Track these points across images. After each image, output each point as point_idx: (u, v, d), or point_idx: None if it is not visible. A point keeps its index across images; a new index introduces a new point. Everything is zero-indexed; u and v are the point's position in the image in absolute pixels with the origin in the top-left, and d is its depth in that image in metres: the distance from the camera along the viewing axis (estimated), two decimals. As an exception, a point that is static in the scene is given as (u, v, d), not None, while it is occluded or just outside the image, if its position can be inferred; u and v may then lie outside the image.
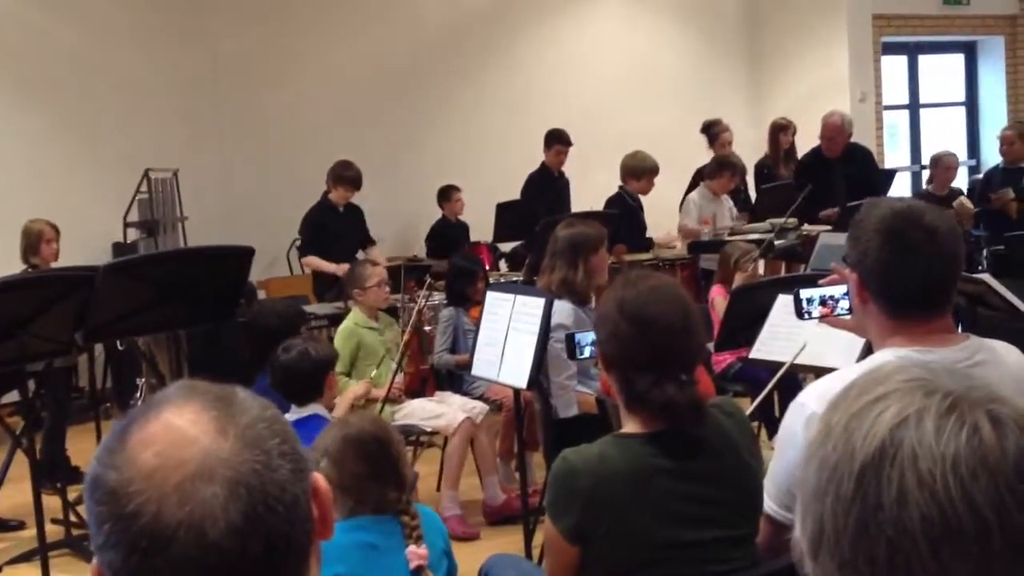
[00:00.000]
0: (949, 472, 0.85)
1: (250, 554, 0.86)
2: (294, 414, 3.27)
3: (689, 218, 7.19)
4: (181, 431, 0.89)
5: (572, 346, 3.08)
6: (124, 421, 0.93)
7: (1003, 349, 2.21)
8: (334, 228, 6.80)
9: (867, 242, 2.05)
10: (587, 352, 3.04)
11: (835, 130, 7.17)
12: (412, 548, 2.06)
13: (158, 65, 7.87)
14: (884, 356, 2.11)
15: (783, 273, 7.36)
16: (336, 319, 5.36)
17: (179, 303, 4.23)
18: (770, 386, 3.83)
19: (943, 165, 7.97)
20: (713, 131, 7.87)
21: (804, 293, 2.49)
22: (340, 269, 6.41)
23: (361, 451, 2.13)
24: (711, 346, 5.17)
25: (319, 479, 0.95)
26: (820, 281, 2.47)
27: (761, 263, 7.34)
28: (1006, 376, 2.13)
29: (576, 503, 2.00)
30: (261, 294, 7.38)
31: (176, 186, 7.28)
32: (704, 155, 7.87)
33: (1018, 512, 0.85)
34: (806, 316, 2.52)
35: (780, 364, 3.73)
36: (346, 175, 6.80)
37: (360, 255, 6.84)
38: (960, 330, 3.72)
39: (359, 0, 8.53)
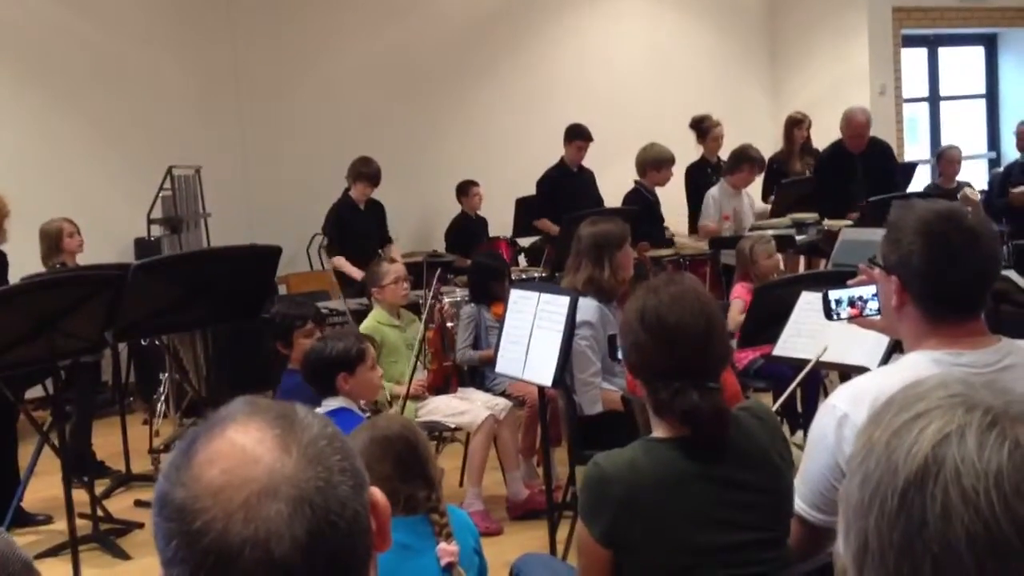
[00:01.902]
0: (992, 488, 0.86)
1: (315, 570, 0.89)
2: (322, 409, 3.31)
3: (708, 216, 7.18)
4: (246, 449, 0.91)
5: (612, 347, 3.09)
6: (189, 438, 0.95)
7: (1033, 351, 2.21)
8: (355, 225, 6.83)
9: (910, 245, 2.06)
10: (619, 354, 3.05)
11: (863, 127, 7.17)
12: (443, 545, 2.09)
13: (181, 63, 7.92)
14: (917, 358, 2.13)
15: (802, 268, 7.37)
16: (361, 316, 5.39)
17: (207, 302, 4.27)
18: (794, 384, 3.83)
19: (947, 159, 8.06)
20: (703, 126, 7.84)
21: (833, 294, 2.50)
22: (358, 273, 6.44)
23: (389, 452, 2.16)
24: (734, 343, 5.20)
25: (376, 493, 0.97)
26: (848, 282, 2.48)
27: (781, 258, 7.35)
28: (1037, 378, 2.14)
29: (608, 509, 2.02)
30: (281, 289, 7.44)
31: (199, 183, 7.33)
32: (693, 152, 7.85)
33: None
34: (835, 317, 2.53)
35: (803, 361, 3.74)
36: (365, 171, 6.83)
37: (380, 252, 6.87)
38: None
39: (378, -3, 8.57)
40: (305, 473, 0.90)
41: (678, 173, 7.73)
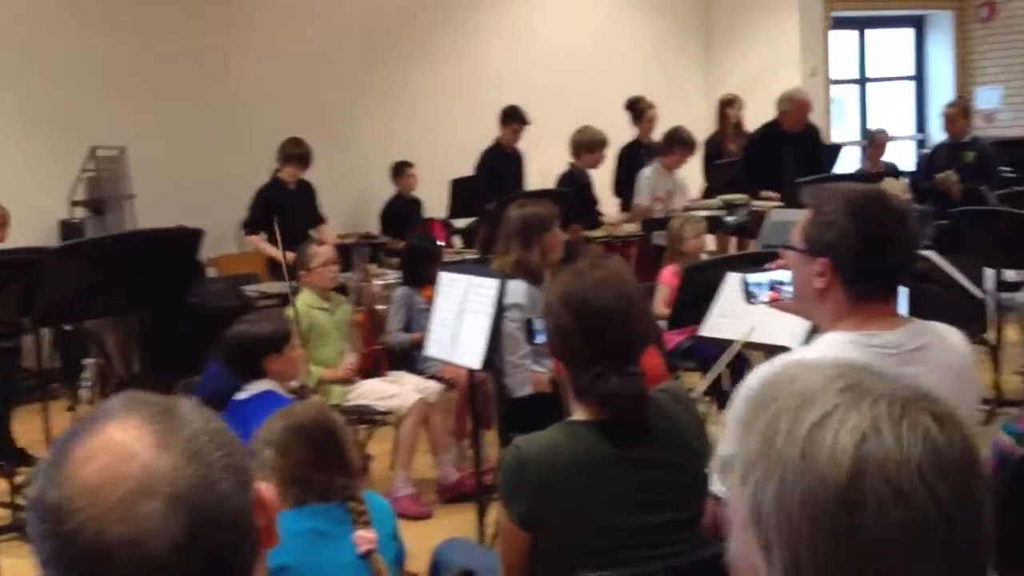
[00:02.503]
0: (916, 477, 0.87)
1: (193, 569, 0.86)
2: (245, 392, 3.27)
3: (642, 196, 7.21)
4: (124, 446, 0.88)
5: (530, 331, 3.08)
6: (68, 434, 0.92)
7: (946, 331, 2.25)
8: (285, 206, 6.73)
9: (843, 227, 2.08)
10: (540, 338, 3.03)
11: (809, 108, 7.30)
12: (360, 532, 2.07)
13: (106, 42, 7.72)
14: (833, 339, 2.15)
15: (734, 249, 7.44)
16: (287, 298, 5.32)
17: (129, 286, 4.18)
18: (719, 366, 3.87)
19: (875, 142, 8.19)
20: (638, 108, 7.89)
21: (752, 278, 2.52)
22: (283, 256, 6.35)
23: (306, 440, 2.13)
24: (664, 324, 5.23)
25: (263, 489, 0.94)
26: (767, 265, 2.50)
27: (711, 239, 7.41)
28: (949, 358, 2.17)
29: (528, 491, 2.02)
30: (212, 272, 7.32)
31: (124, 164, 7.16)
32: (629, 133, 7.88)
33: (971, 501, 0.89)
34: (754, 301, 2.55)
35: (730, 342, 3.77)
36: (295, 152, 6.74)
37: (313, 233, 6.79)
38: (907, 308, 3.81)
39: (310, -28, 8.42)
40: (182, 470, 0.88)
41: (612, 155, 7.76)
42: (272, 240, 6.67)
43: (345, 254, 5.89)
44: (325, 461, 2.12)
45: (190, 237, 4.35)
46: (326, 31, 8.41)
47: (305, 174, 6.92)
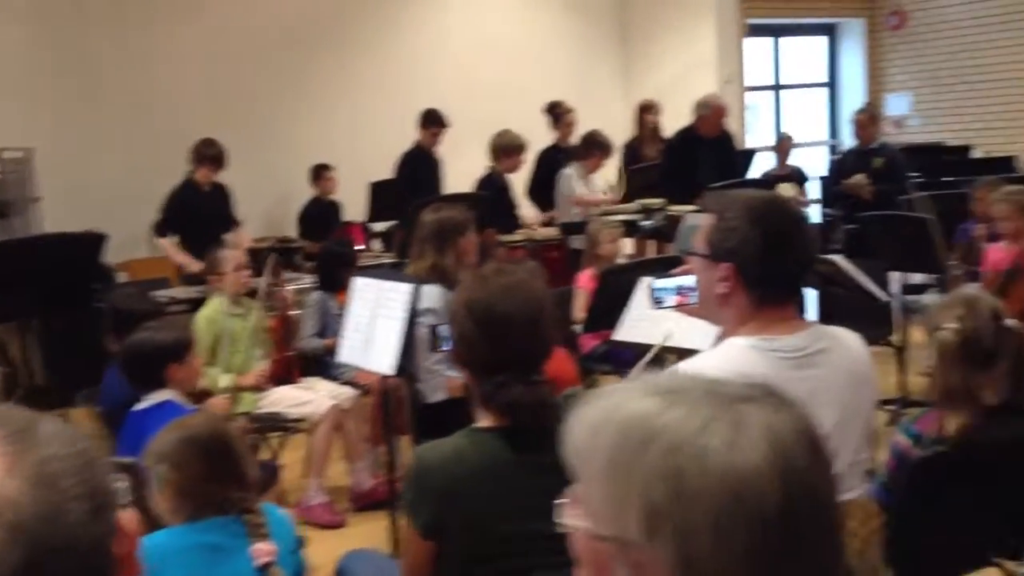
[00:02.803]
0: (786, 470, 0.87)
1: None
2: (145, 402, 3.19)
3: (572, 191, 7.24)
4: None
5: (435, 337, 3.05)
6: None
7: (845, 335, 2.29)
8: (198, 208, 6.60)
9: (744, 233, 2.10)
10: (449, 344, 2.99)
11: (724, 114, 7.41)
12: (258, 545, 2.02)
13: (11, 38, 7.49)
14: (735, 344, 2.17)
15: (653, 253, 7.51)
16: (199, 304, 5.21)
17: (29, 290, 4.06)
18: (638, 370, 3.88)
19: (781, 147, 8.43)
20: (557, 112, 7.93)
21: (658, 283, 2.53)
22: (192, 264, 6.24)
23: (201, 452, 2.07)
24: (579, 328, 5.25)
25: (124, 517, 0.91)
26: (673, 271, 2.51)
27: (630, 242, 7.47)
28: (847, 361, 2.21)
29: (431, 500, 2.00)
30: (122, 277, 7.15)
31: (31, 166, 6.95)
32: (547, 137, 7.92)
33: (824, 483, 0.90)
34: (660, 305, 2.56)
35: (644, 345, 3.79)
36: (209, 153, 6.61)
37: (227, 236, 6.67)
38: (817, 311, 3.86)
39: (225, -29, 8.28)
40: (27, 497, 0.84)
41: (531, 159, 7.78)
42: (185, 242, 6.56)
43: (259, 258, 5.81)
44: (220, 473, 2.07)
45: (93, 241, 4.23)
46: (243, 31, 8.28)
47: (221, 176, 6.81)
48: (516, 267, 2.45)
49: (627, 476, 0.88)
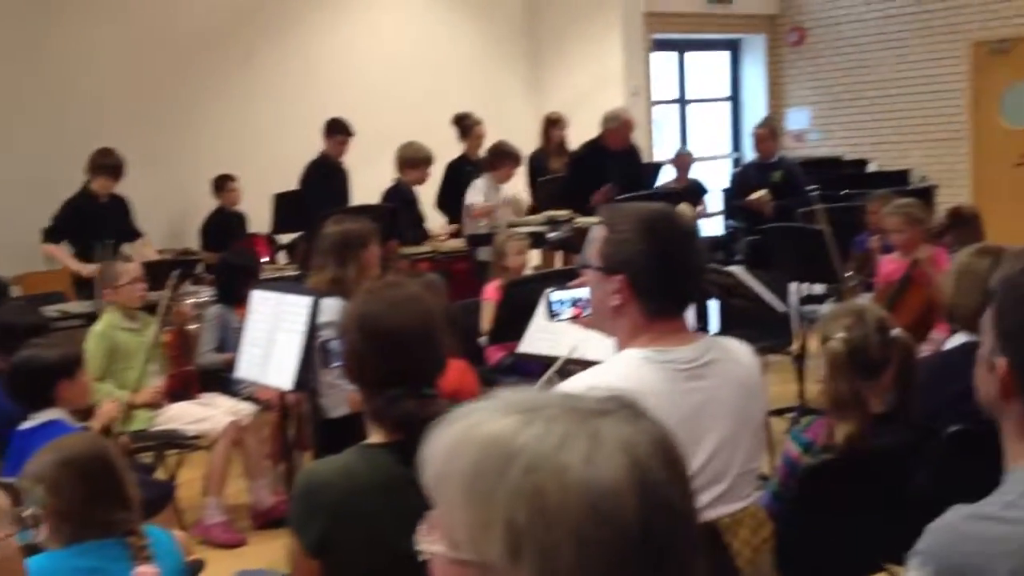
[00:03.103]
0: (635, 493, 0.87)
1: None
2: (32, 421, 3.08)
3: (477, 198, 7.23)
4: None
5: (326, 353, 2.99)
6: None
7: (736, 347, 2.32)
8: (94, 220, 6.42)
9: (635, 245, 2.12)
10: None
11: (631, 127, 7.51)
12: (141, 569, 1.96)
13: None
14: (628, 356, 2.18)
15: (561, 265, 7.55)
16: (93, 318, 5.07)
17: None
18: (543, 383, 3.89)
19: (680, 161, 8.51)
20: (465, 123, 7.95)
21: (555, 295, 2.55)
22: (84, 268, 6.08)
23: (80, 473, 2.00)
24: (484, 340, 5.24)
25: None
26: (569, 284, 2.53)
27: (537, 254, 7.50)
28: (737, 371, 2.24)
29: (319, 517, 1.96)
30: (16, 291, 6.91)
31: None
32: (455, 148, 7.93)
33: (681, 495, 0.90)
34: (557, 318, 2.57)
35: (548, 358, 3.80)
36: (106, 163, 6.44)
37: (127, 249, 6.51)
38: (718, 321, 3.91)
39: (127, -24, 8.07)
40: None
41: (438, 170, 7.77)
42: (81, 256, 6.37)
43: (159, 271, 5.68)
44: (101, 495, 2.00)
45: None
46: (145, 37, 8.09)
47: (122, 186, 6.64)
48: (408, 280, 2.43)
49: (488, 499, 0.87)
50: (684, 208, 7.39)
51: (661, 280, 2.13)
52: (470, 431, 0.91)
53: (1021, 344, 1.46)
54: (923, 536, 1.47)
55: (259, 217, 7.98)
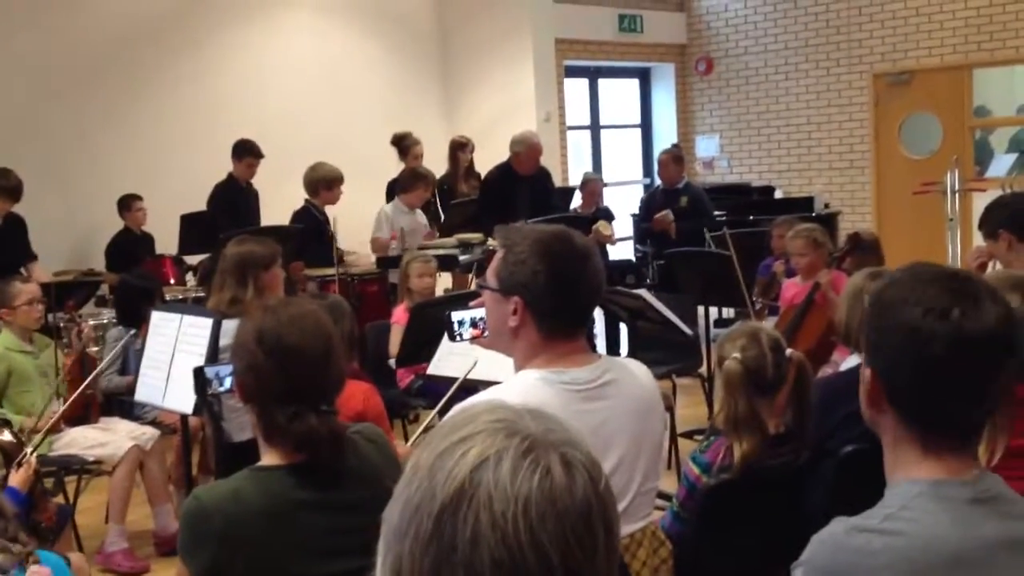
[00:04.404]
0: (520, 514, 0.87)
1: None
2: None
3: (380, 231, 7.21)
4: None
5: (202, 381, 2.88)
6: None
7: (635, 367, 2.35)
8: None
9: (534, 266, 2.12)
10: (227, 384, 2.85)
11: (540, 151, 7.56)
12: (32, 569, 1.89)
13: None
14: (525, 377, 2.19)
15: (472, 287, 7.56)
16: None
17: None
18: (443, 401, 3.89)
19: (588, 188, 8.53)
20: (404, 144, 7.95)
21: (456, 316, 2.55)
22: None
23: None
24: (392, 362, 5.22)
25: None
26: (471, 303, 2.53)
27: (448, 277, 7.50)
28: (634, 391, 2.26)
29: (208, 544, 1.92)
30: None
31: None
32: (396, 168, 7.93)
33: (580, 552, 0.89)
34: (458, 338, 2.57)
35: (455, 379, 3.80)
36: (4, 185, 6.26)
37: (22, 270, 6.32)
38: (626, 344, 3.94)
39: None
40: None
41: (375, 188, 7.73)
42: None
43: (59, 292, 5.53)
44: None
45: None
46: (51, 56, 7.89)
47: (23, 206, 6.45)
48: (307, 299, 2.41)
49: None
50: (602, 225, 7.48)
51: (557, 301, 2.14)
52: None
53: (885, 353, 1.50)
54: (807, 547, 1.50)
55: (167, 239, 7.83)
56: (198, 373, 2.81)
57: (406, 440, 4.71)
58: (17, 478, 3.35)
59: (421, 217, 7.49)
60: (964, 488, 1.46)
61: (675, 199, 7.98)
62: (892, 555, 1.42)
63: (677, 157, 8.29)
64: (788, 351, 2.77)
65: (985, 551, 1.43)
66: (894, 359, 1.48)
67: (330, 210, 7.12)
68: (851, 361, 3.21)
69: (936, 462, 1.48)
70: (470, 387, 3.75)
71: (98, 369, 4.22)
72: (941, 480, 1.47)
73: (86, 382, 3.95)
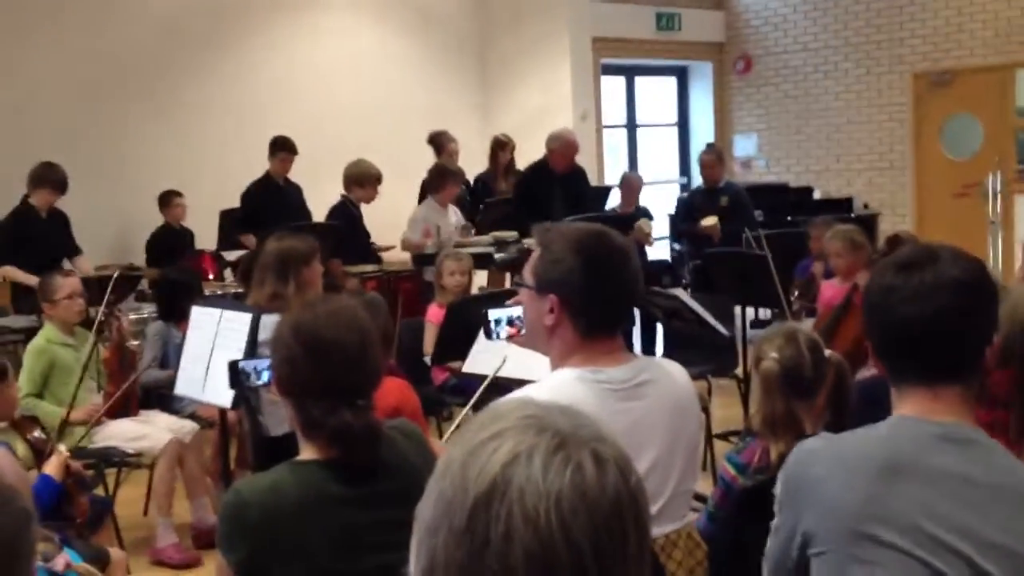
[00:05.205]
0: (552, 508, 0.88)
1: None
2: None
3: (412, 231, 7.23)
4: None
5: (236, 375, 2.89)
6: None
7: (671, 368, 2.34)
8: (34, 235, 6.32)
9: (569, 264, 2.12)
10: (265, 377, 2.86)
11: (576, 148, 7.54)
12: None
13: None
14: (562, 375, 2.19)
15: (508, 285, 7.56)
16: (32, 333, 4.99)
17: None
18: (475, 398, 3.90)
19: (627, 184, 8.45)
20: (439, 141, 7.98)
21: (492, 314, 2.55)
22: (30, 278, 5.97)
23: None
24: (427, 359, 5.24)
25: None
26: (508, 302, 2.53)
27: (484, 274, 7.51)
28: (671, 392, 2.26)
29: (247, 537, 1.94)
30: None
31: None
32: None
33: (611, 545, 0.90)
34: (495, 336, 2.58)
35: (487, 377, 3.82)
36: (49, 177, 6.35)
37: (67, 264, 6.42)
38: (662, 344, 3.92)
39: (72, -11, 7.98)
40: None
41: (410, 187, 7.76)
42: (20, 269, 6.27)
43: (101, 287, 5.59)
44: None
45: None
46: (92, 53, 8.00)
47: (66, 201, 6.54)
48: (345, 296, 2.43)
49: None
50: (642, 224, 7.46)
51: (593, 300, 2.14)
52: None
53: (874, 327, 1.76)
54: None
55: (207, 234, 7.91)
56: (233, 367, 2.84)
57: (440, 437, 4.74)
58: (51, 466, 3.40)
59: (456, 214, 7.51)
60: (933, 426, 1.67)
61: (716, 199, 7.94)
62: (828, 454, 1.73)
63: (719, 156, 8.26)
64: (827, 352, 2.75)
65: (921, 461, 1.64)
66: None
67: (366, 208, 7.16)
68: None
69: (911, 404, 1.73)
70: (505, 385, 3.78)
71: (141, 368, 4.27)
72: (913, 416, 1.70)
73: (130, 380, 4.00)
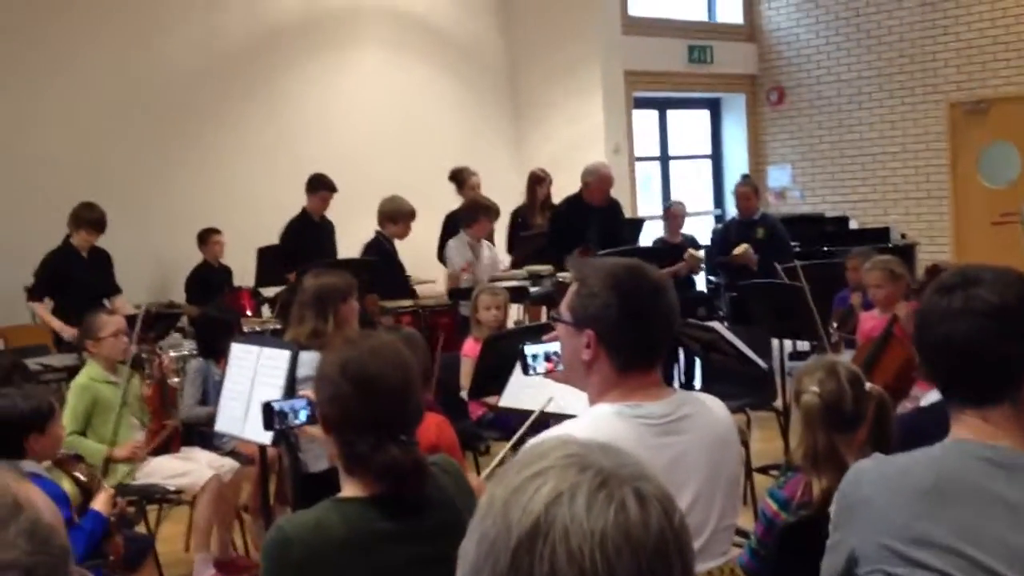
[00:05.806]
0: (596, 548, 0.88)
1: None
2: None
3: (452, 266, 7.27)
4: None
5: (270, 415, 2.89)
6: None
7: (710, 402, 2.32)
8: (75, 274, 6.42)
9: (605, 300, 2.12)
10: (303, 417, 2.88)
11: (611, 181, 7.57)
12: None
13: None
14: (600, 411, 2.19)
15: (544, 319, 7.56)
16: (74, 371, 5.05)
17: None
18: (519, 435, 3.89)
19: (672, 214, 8.49)
20: (461, 177, 8.04)
21: (529, 349, 2.54)
22: (66, 331, 6.05)
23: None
24: (464, 394, 5.24)
25: None
26: (544, 337, 2.53)
27: (519, 308, 7.52)
28: (711, 426, 2.24)
29: (289, 574, 1.94)
30: (-1, 344, 6.89)
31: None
32: (454, 201, 8.01)
33: None
34: (531, 372, 2.57)
35: (528, 412, 3.81)
36: (88, 217, 6.45)
37: (107, 303, 6.50)
38: (700, 376, 3.90)
39: (109, 29, 8.12)
40: None
41: (434, 222, 7.81)
42: (61, 308, 6.36)
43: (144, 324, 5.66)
44: None
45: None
46: (127, 91, 8.15)
47: (105, 240, 6.64)
48: (385, 332, 2.44)
49: None
50: (692, 253, 7.45)
51: (630, 335, 2.13)
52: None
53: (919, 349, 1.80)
54: None
55: (245, 271, 8.00)
56: (267, 408, 2.85)
57: (477, 472, 4.73)
58: (99, 502, 3.43)
59: (489, 250, 7.54)
60: (983, 448, 1.67)
61: (752, 230, 7.92)
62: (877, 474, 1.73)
63: (755, 188, 8.25)
64: (868, 385, 2.73)
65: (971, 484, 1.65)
66: None
67: (402, 244, 7.20)
68: (932, 396, 3.14)
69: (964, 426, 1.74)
70: (543, 420, 3.77)
71: (182, 410, 4.29)
72: (965, 440, 1.70)
73: (173, 423, 4.02)
